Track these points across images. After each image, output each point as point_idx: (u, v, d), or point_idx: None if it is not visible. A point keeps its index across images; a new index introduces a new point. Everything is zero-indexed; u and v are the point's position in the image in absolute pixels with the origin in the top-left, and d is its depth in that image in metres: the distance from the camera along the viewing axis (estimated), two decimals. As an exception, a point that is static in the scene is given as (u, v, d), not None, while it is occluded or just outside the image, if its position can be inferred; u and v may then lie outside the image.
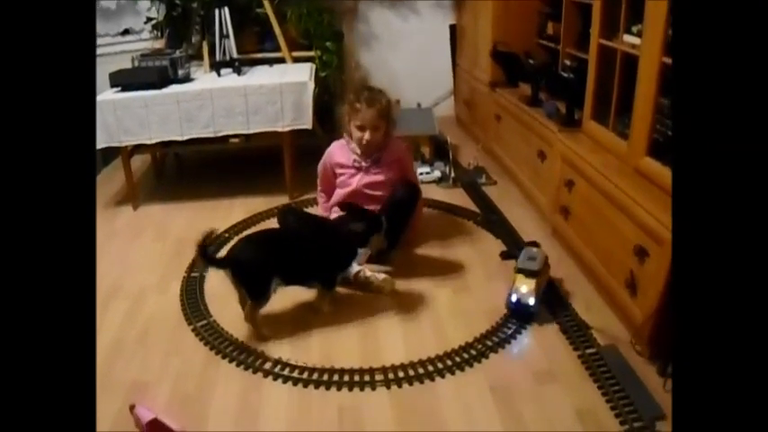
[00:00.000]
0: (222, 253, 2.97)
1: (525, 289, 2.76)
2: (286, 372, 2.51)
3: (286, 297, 2.99)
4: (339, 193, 3.36)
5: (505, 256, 3.33)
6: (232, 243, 2.94)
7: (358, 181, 3.31)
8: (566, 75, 3.47)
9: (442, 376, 2.46)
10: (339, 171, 3.36)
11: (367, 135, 3.19)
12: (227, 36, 4.43)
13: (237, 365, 2.57)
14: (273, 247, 2.79)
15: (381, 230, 2.95)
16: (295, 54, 4.88)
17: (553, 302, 2.88)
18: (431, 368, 2.49)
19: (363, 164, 3.31)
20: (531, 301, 2.74)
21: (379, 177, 3.28)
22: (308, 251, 2.81)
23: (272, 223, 3.89)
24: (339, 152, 3.37)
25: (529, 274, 2.80)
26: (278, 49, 4.82)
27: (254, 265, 2.70)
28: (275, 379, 2.48)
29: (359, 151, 3.30)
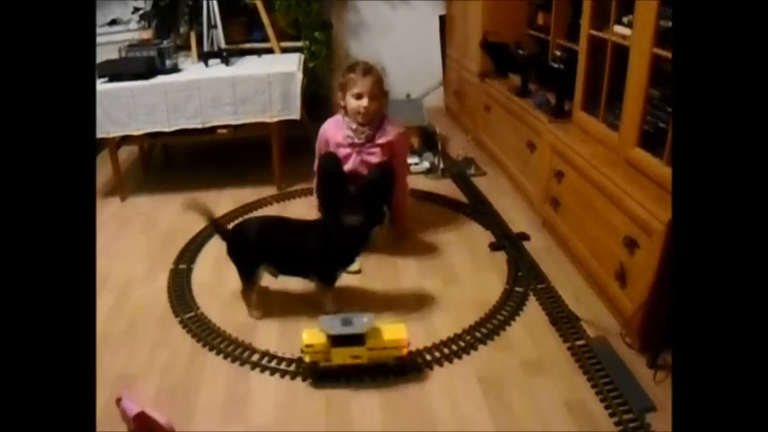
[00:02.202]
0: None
1: (307, 340, 2.37)
2: (273, 364, 2.50)
3: (276, 286, 2.98)
4: None
5: (495, 247, 3.32)
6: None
7: (353, 161, 3.25)
8: (556, 65, 3.47)
9: (431, 368, 2.45)
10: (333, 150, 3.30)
11: (365, 102, 3.13)
12: (215, 26, 4.41)
13: (225, 358, 2.55)
14: (270, 236, 2.78)
15: (383, 221, 2.88)
16: (283, 44, 4.86)
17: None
18: (419, 360, 2.48)
19: (356, 140, 3.23)
20: (308, 358, 2.38)
21: (374, 158, 3.21)
22: (307, 245, 2.76)
23: (262, 214, 3.89)
24: (334, 128, 3.29)
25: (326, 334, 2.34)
26: (266, 39, 4.79)
27: (244, 247, 2.76)
28: (263, 371, 2.47)
29: (354, 126, 3.22)
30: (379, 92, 3.18)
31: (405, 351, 2.39)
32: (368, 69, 3.19)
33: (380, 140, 3.23)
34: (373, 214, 2.80)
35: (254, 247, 2.74)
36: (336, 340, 2.32)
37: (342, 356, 2.36)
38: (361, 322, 2.33)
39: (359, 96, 3.15)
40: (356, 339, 2.33)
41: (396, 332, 2.39)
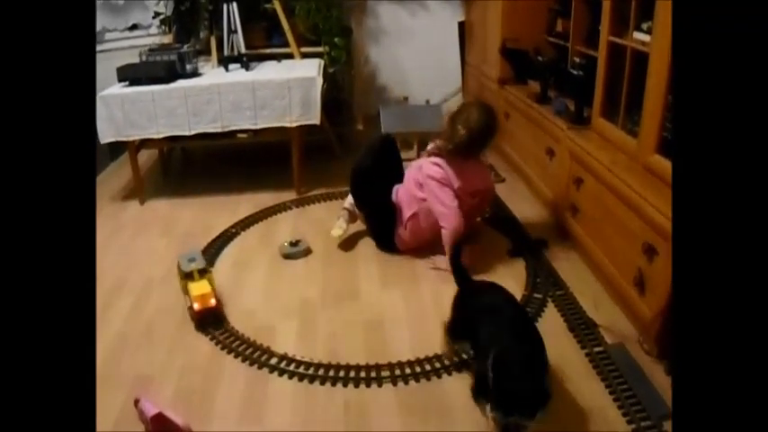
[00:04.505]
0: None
1: (201, 290, 2.80)
2: (292, 367, 2.51)
3: (294, 290, 2.99)
4: None
5: (513, 253, 3.32)
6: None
7: (412, 165, 3.43)
8: (575, 72, 3.46)
9: (449, 373, 2.45)
10: None
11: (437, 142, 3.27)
12: (236, 31, 4.43)
13: (243, 360, 2.57)
14: (481, 316, 2.28)
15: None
16: (303, 49, 4.87)
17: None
18: (437, 365, 2.48)
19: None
20: (213, 302, 2.80)
21: (414, 174, 3.31)
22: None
23: (277, 219, 3.90)
24: None
25: (199, 273, 2.86)
26: (286, 44, 4.81)
27: (463, 313, 2.43)
28: (281, 374, 2.48)
29: None
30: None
31: (195, 306, 2.77)
32: (463, 119, 3.17)
33: (422, 161, 3.30)
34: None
35: (466, 322, 2.37)
36: (180, 269, 2.93)
37: (180, 281, 2.97)
38: (190, 267, 2.87)
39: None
40: (186, 274, 2.87)
41: (196, 287, 2.81)
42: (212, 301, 2.80)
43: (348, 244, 3.49)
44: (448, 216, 3.10)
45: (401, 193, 3.31)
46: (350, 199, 3.51)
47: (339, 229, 3.41)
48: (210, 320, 2.80)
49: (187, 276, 2.86)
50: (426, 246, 3.32)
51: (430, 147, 3.32)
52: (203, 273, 2.88)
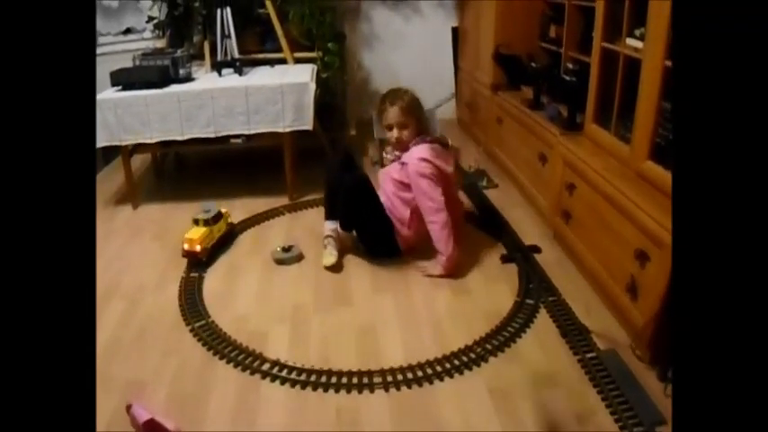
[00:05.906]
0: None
1: (192, 235, 3.34)
2: (284, 373, 2.50)
3: (286, 296, 2.99)
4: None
5: (506, 259, 3.32)
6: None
7: (384, 172, 3.45)
8: (568, 78, 3.46)
9: (441, 379, 2.44)
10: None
11: (395, 133, 3.29)
12: (229, 36, 4.43)
13: (235, 366, 2.56)
14: None
15: None
16: (297, 55, 4.87)
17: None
18: (430, 371, 2.48)
19: (390, 158, 3.44)
20: (198, 248, 3.32)
21: (394, 174, 3.30)
22: None
23: (270, 225, 3.89)
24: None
25: (203, 222, 3.43)
26: (279, 49, 4.81)
27: None
28: (273, 380, 2.47)
29: (389, 147, 3.46)
30: (407, 118, 3.26)
31: (185, 246, 3.36)
32: (394, 100, 3.28)
33: (403, 160, 3.26)
34: None
35: None
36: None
37: (217, 230, 3.52)
38: (199, 215, 3.44)
39: (389, 128, 3.30)
40: (194, 220, 3.46)
41: (192, 231, 3.39)
42: (197, 247, 3.32)
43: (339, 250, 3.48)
44: (437, 210, 3.13)
45: (384, 199, 3.33)
46: (329, 225, 3.48)
47: (332, 256, 3.32)
48: (194, 263, 3.37)
49: (195, 222, 3.43)
50: (430, 242, 3.27)
51: (388, 154, 3.46)
52: (207, 223, 3.43)
